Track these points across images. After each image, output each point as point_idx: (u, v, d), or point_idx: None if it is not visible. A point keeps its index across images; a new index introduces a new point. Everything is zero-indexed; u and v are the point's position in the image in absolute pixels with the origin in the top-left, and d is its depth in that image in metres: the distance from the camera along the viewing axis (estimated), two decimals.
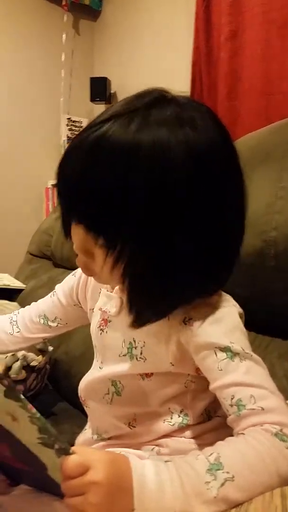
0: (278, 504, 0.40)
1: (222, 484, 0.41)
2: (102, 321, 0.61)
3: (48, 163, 2.87)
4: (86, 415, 0.66)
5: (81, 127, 2.92)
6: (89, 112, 2.95)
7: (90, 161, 0.45)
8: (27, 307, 0.76)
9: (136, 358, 0.56)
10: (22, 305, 1.40)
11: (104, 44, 2.93)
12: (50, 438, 0.40)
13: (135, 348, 0.56)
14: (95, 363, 0.63)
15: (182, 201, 0.45)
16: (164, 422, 0.55)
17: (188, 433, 0.55)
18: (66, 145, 2.80)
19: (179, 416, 0.55)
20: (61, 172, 0.49)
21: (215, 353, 0.49)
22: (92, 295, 0.65)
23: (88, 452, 0.42)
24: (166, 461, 0.43)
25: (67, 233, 0.53)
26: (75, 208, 0.49)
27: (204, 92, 1.92)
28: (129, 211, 0.44)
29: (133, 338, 0.56)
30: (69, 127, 2.89)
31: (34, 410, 0.40)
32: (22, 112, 2.77)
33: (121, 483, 0.40)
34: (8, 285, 1.47)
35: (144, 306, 0.51)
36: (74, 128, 2.91)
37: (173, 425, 0.55)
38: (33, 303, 0.76)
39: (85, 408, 0.65)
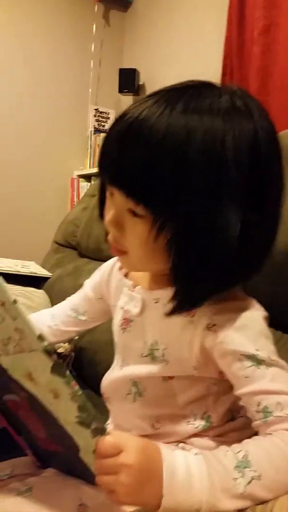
0: None
1: (249, 482, 0.43)
2: (124, 320, 0.60)
3: (74, 154, 2.90)
4: None
5: (108, 118, 2.93)
6: (116, 103, 2.96)
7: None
8: (65, 301, 0.79)
9: (158, 361, 0.55)
10: (48, 293, 1.43)
11: (134, 35, 2.93)
12: (88, 417, 0.42)
13: (157, 350, 0.55)
14: (116, 362, 0.63)
15: (236, 182, 0.44)
16: (187, 424, 0.55)
17: (211, 432, 0.56)
18: (93, 136, 2.82)
19: (202, 419, 0.55)
20: (112, 137, 0.48)
21: (241, 361, 0.49)
22: (115, 292, 0.64)
23: (122, 436, 0.44)
24: (195, 454, 0.45)
25: (102, 208, 0.53)
26: (121, 173, 0.46)
27: None
28: (183, 181, 0.43)
29: (156, 340, 0.56)
30: (96, 118, 2.90)
31: (77, 387, 0.42)
32: (50, 101, 2.80)
33: (151, 470, 0.42)
34: (35, 273, 1.50)
35: (183, 286, 0.49)
36: (101, 119, 2.93)
37: (196, 427, 0.55)
38: (69, 297, 0.78)
39: (107, 405, 0.65)
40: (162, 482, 0.42)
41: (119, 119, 0.47)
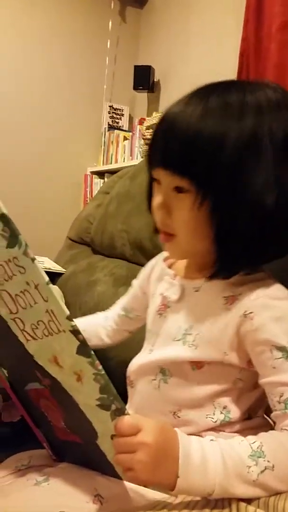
0: None
1: (262, 471, 0.44)
2: (162, 306, 0.63)
3: (88, 150, 2.91)
4: (123, 399, 0.68)
5: (122, 115, 2.93)
6: (131, 100, 2.96)
7: (200, 111, 0.50)
8: (118, 301, 0.81)
9: (189, 345, 0.57)
10: (62, 289, 1.44)
11: (149, 32, 2.92)
12: (109, 397, 0.43)
13: (190, 335, 0.57)
14: (146, 346, 0.65)
15: (271, 154, 0.49)
16: (206, 417, 0.56)
17: (228, 428, 0.56)
18: (107, 133, 2.83)
19: (221, 413, 0.56)
20: (157, 132, 0.53)
21: (271, 351, 0.50)
22: (156, 281, 0.67)
23: (141, 417, 0.46)
24: (211, 440, 0.47)
25: (149, 203, 0.58)
26: (167, 156, 0.52)
27: None
28: (220, 157, 0.48)
29: (191, 325, 0.57)
30: (110, 115, 2.91)
31: (100, 366, 0.43)
32: (64, 97, 2.81)
33: (168, 450, 0.44)
34: (50, 269, 1.51)
35: (229, 259, 0.53)
36: (115, 116, 2.93)
37: (215, 421, 0.56)
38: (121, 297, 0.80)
39: (130, 390, 0.66)
40: (177, 464, 0.43)
41: (162, 117, 0.54)
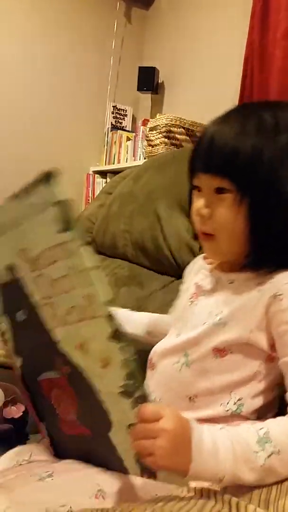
0: None
1: (269, 456, 0.47)
2: (194, 294, 0.67)
3: (91, 150, 2.91)
4: None
5: (126, 115, 2.94)
6: (134, 101, 2.97)
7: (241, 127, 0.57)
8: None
9: (217, 324, 0.60)
10: None
11: (155, 33, 2.93)
12: (134, 384, 0.45)
13: (220, 318, 0.60)
14: (172, 332, 0.67)
15: None
16: (220, 406, 0.58)
17: (236, 421, 0.58)
18: (110, 133, 2.84)
19: (234, 404, 0.58)
20: (206, 137, 0.59)
21: None
22: (193, 274, 0.72)
23: (161, 405, 0.50)
24: (220, 428, 0.50)
25: (190, 197, 0.64)
26: (209, 162, 0.58)
27: (254, 89, 1.90)
28: (258, 161, 0.55)
29: (221, 310, 0.60)
30: (113, 115, 2.91)
31: (132, 352, 0.44)
32: (68, 97, 2.81)
33: (185, 436, 0.46)
34: None
35: (264, 252, 0.58)
36: (118, 116, 2.94)
37: (226, 410, 0.58)
38: None
39: (149, 373, 0.67)
40: (191, 450, 0.46)
41: (202, 134, 0.60)
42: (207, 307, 0.63)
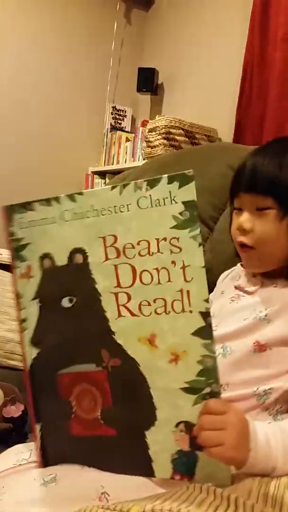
0: None
1: None
2: (236, 295, 0.70)
3: (90, 150, 2.92)
4: None
5: (125, 116, 2.95)
6: (134, 102, 2.97)
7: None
8: None
9: (261, 320, 0.63)
10: None
11: (154, 34, 2.93)
12: (207, 380, 0.47)
13: (264, 314, 0.63)
14: None
15: None
16: (250, 391, 0.60)
17: (257, 410, 0.60)
18: (109, 134, 2.84)
19: (264, 391, 0.60)
20: (252, 163, 0.65)
21: None
22: (230, 280, 0.76)
23: (226, 401, 0.51)
24: (269, 422, 0.54)
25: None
26: (252, 184, 0.64)
27: (253, 91, 1.91)
28: None
29: (264, 308, 0.64)
30: (113, 116, 2.92)
31: (215, 349, 0.47)
32: (68, 97, 2.82)
33: (246, 430, 0.50)
34: None
35: None
36: (118, 117, 2.94)
37: (255, 394, 0.60)
38: None
39: None
40: (249, 440, 0.49)
41: (244, 163, 0.67)
42: (249, 305, 0.66)
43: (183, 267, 0.47)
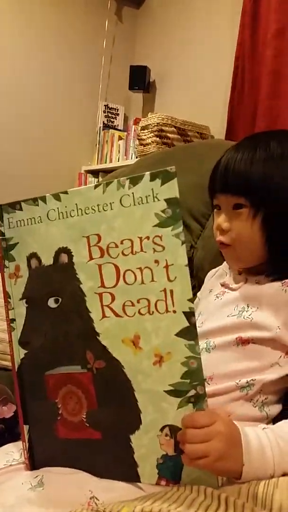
0: None
1: None
2: (221, 292, 0.71)
3: (83, 149, 2.91)
4: None
5: (117, 114, 2.94)
6: (126, 100, 2.96)
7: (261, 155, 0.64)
8: None
9: (244, 317, 0.64)
10: None
11: (146, 32, 2.93)
12: (191, 383, 0.45)
13: (247, 311, 0.64)
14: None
15: None
16: (233, 383, 0.60)
17: (241, 400, 0.60)
18: (102, 132, 2.83)
19: (247, 382, 0.60)
20: (222, 163, 0.66)
21: None
22: (216, 278, 0.77)
23: (213, 409, 0.49)
24: (263, 428, 0.52)
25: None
26: (226, 184, 0.65)
27: (245, 88, 1.91)
28: (268, 181, 0.62)
29: (247, 304, 0.65)
30: (105, 114, 2.91)
31: (199, 350, 0.45)
32: (60, 96, 2.81)
33: (236, 439, 0.48)
34: None
35: (280, 260, 0.64)
36: (110, 115, 2.93)
37: (237, 385, 0.60)
38: None
39: None
40: (242, 452, 0.47)
41: (219, 161, 0.67)
42: (232, 301, 0.67)
43: (166, 266, 0.45)
